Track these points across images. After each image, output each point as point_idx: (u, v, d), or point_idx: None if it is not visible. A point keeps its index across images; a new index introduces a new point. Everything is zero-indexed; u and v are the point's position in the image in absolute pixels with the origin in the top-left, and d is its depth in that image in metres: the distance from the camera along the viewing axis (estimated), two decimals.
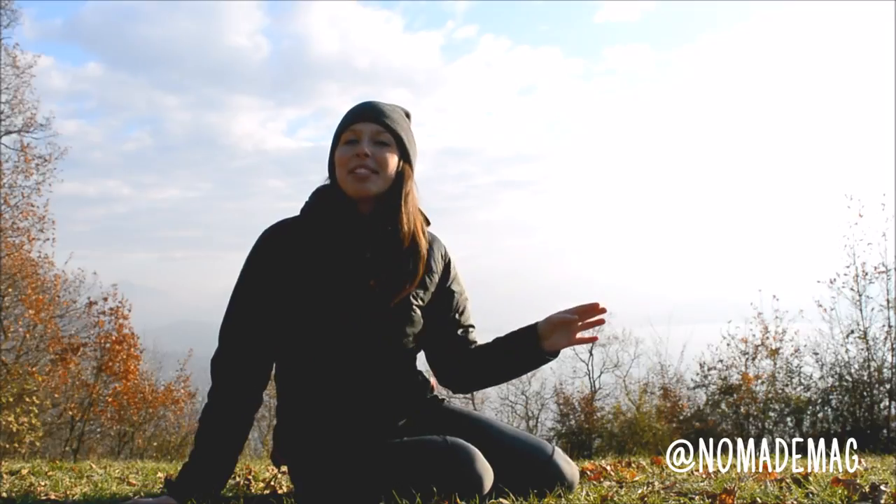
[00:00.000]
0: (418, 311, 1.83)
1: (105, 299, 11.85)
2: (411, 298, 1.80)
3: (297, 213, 1.85)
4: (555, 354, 1.83)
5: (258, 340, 1.75)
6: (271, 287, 1.75)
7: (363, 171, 1.73)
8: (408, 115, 1.88)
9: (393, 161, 1.78)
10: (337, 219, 1.78)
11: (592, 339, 1.83)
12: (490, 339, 1.93)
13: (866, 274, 9.69)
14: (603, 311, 1.77)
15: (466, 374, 1.93)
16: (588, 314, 1.78)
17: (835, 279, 9.88)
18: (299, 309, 1.74)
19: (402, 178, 1.80)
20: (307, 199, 1.85)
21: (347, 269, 1.74)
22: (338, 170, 1.78)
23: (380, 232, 1.77)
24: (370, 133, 1.76)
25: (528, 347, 1.83)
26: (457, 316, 1.93)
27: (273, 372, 1.86)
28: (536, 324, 1.83)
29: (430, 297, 1.87)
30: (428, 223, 1.89)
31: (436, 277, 1.88)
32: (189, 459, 1.72)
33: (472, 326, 1.96)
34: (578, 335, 1.81)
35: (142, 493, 2.07)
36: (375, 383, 1.78)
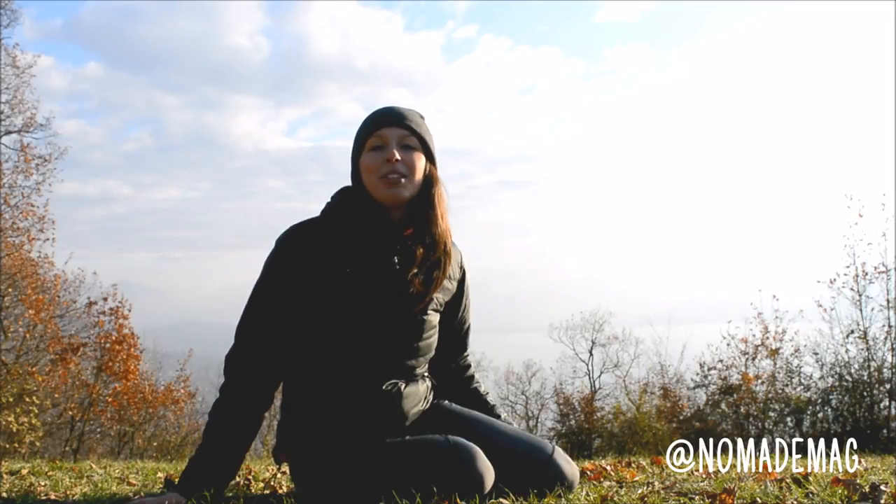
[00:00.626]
0: (436, 315, 1.85)
1: (105, 299, 11.85)
2: (434, 303, 1.82)
3: (316, 214, 1.83)
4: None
5: (274, 341, 1.75)
6: (292, 289, 1.74)
7: (395, 176, 1.73)
8: (422, 117, 1.88)
9: (421, 164, 1.79)
10: (368, 224, 1.77)
11: None
12: (483, 391, 2.07)
13: (866, 274, 9.68)
14: None
15: (451, 385, 2.02)
16: None
17: (835, 279, 9.87)
18: (320, 311, 1.74)
19: (430, 180, 1.81)
20: (329, 199, 1.84)
21: (376, 273, 1.74)
22: (366, 176, 1.77)
23: (410, 237, 1.78)
24: (397, 138, 1.76)
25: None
26: (461, 317, 1.98)
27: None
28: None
29: (447, 300, 1.90)
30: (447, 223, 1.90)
31: (454, 283, 1.91)
32: (196, 454, 1.72)
33: (470, 325, 2.04)
34: None
35: (142, 493, 2.07)
36: (386, 388, 1.77)
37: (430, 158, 1.83)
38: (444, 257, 1.81)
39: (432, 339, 1.85)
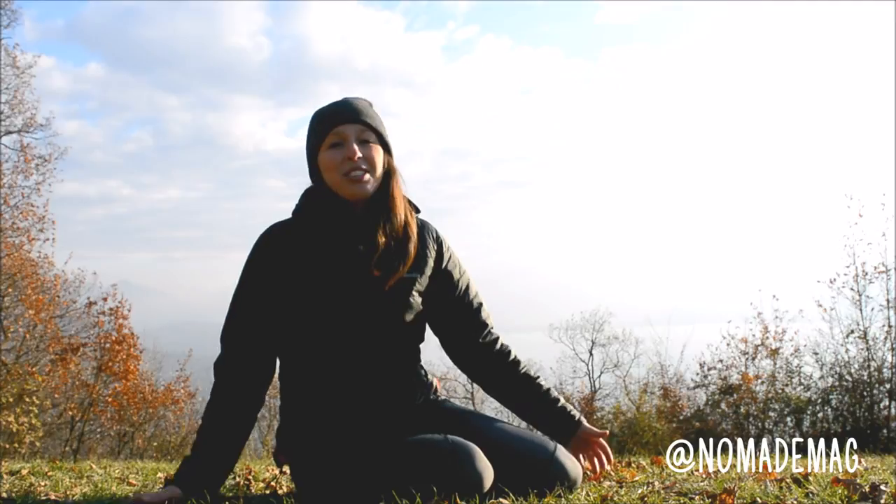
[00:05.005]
0: (417, 297, 1.84)
1: (105, 299, 11.86)
2: (411, 285, 1.82)
3: (290, 216, 1.86)
4: (566, 445, 1.89)
5: (259, 342, 1.77)
6: (270, 289, 1.77)
7: (358, 173, 1.76)
8: (371, 105, 1.89)
9: (380, 157, 1.82)
10: (332, 218, 1.79)
11: (590, 472, 1.95)
12: (534, 374, 1.97)
13: (866, 274, 9.69)
14: (602, 471, 1.95)
15: (488, 370, 1.96)
16: (602, 455, 1.96)
17: (835, 279, 9.88)
18: (299, 307, 1.76)
19: (389, 172, 1.84)
20: (297, 202, 1.87)
21: (343, 263, 1.76)
22: (328, 174, 1.79)
23: (372, 225, 1.79)
24: (355, 133, 1.78)
25: (562, 429, 1.94)
26: (460, 295, 1.94)
27: (277, 372, 1.88)
28: (580, 422, 1.95)
29: (427, 282, 1.88)
30: (417, 211, 1.92)
31: (431, 262, 1.90)
32: (191, 454, 1.73)
33: (482, 303, 1.98)
34: (586, 457, 1.95)
35: (141, 493, 2.07)
36: (377, 380, 1.78)
37: (387, 149, 1.85)
38: (406, 241, 1.82)
39: (416, 323, 1.85)
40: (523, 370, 1.96)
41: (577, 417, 1.95)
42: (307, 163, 1.85)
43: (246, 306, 1.78)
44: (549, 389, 1.96)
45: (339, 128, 1.78)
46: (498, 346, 1.96)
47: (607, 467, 1.97)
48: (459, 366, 2.01)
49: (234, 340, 1.77)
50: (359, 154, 1.76)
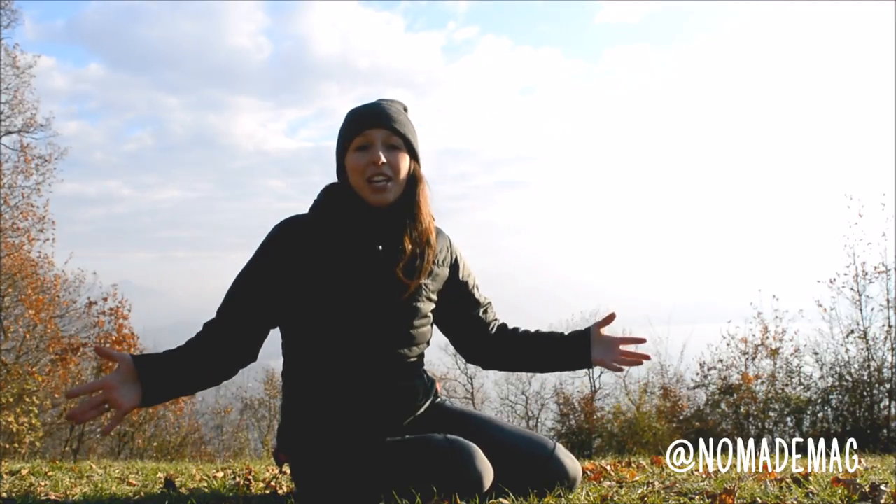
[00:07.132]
0: (428, 303, 1.86)
1: (105, 299, 11.88)
2: (422, 290, 1.83)
3: (307, 211, 1.85)
4: (592, 365, 1.98)
5: (254, 325, 1.75)
6: (279, 277, 1.75)
7: (380, 178, 1.76)
8: (406, 109, 1.90)
9: (405, 164, 1.81)
10: (353, 218, 1.79)
11: (619, 370, 1.98)
12: (533, 329, 2.05)
13: (866, 274, 9.70)
14: (647, 357, 2.01)
15: (499, 352, 2.04)
16: (632, 345, 1.99)
17: (835, 279, 9.89)
18: (310, 302, 1.75)
19: (414, 179, 1.84)
20: (316, 197, 1.86)
21: (361, 262, 1.76)
22: (352, 176, 1.79)
23: (393, 226, 1.80)
24: (382, 138, 1.78)
25: (579, 351, 1.98)
26: (470, 297, 2.00)
27: (281, 370, 1.88)
28: (589, 329, 1.99)
29: (440, 287, 1.90)
30: (431, 218, 1.92)
31: (445, 270, 1.92)
32: (162, 359, 1.67)
33: (490, 303, 2.05)
34: (617, 362, 1.97)
35: (142, 494, 2.07)
36: (381, 380, 1.78)
37: (414, 156, 1.84)
38: (428, 249, 1.83)
39: (425, 327, 1.86)
40: (522, 332, 2.04)
41: (584, 329, 2.02)
42: (336, 160, 1.85)
43: (250, 288, 1.76)
44: (550, 332, 2.05)
45: (368, 131, 1.78)
46: (503, 331, 2.04)
47: (643, 353, 2.01)
48: (475, 363, 2.08)
49: (231, 314, 1.74)
50: (383, 160, 1.75)
